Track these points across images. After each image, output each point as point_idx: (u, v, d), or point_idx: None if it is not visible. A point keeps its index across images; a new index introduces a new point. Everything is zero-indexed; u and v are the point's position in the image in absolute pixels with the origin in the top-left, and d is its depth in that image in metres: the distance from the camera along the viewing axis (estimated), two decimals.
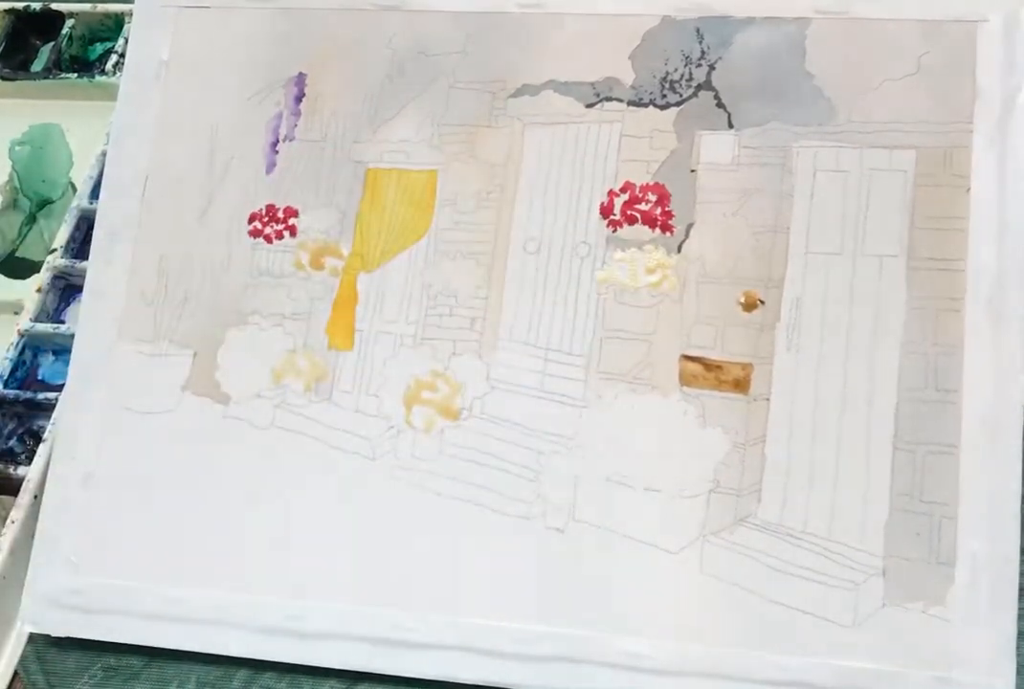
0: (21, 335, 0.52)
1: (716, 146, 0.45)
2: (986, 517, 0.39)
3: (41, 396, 0.50)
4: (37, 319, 0.53)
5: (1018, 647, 0.38)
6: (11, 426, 0.51)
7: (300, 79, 0.49)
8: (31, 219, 0.59)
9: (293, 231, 0.47)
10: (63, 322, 0.53)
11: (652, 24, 0.47)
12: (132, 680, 0.44)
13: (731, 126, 0.45)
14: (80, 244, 0.54)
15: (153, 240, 0.48)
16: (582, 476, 0.42)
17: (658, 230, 0.44)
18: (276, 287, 0.47)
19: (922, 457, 0.40)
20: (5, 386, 0.51)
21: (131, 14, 0.52)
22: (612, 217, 0.45)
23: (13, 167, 0.60)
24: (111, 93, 0.51)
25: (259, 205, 0.48)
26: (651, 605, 0.41)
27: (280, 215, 0.48)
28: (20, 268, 0.57)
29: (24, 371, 0.52)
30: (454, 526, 0.43)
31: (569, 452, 0.43)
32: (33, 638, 0.45)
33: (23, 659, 0.45)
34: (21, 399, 0.50)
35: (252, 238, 0.48)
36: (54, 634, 0.44)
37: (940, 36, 0.44)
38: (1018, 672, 0.38)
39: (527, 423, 0.43)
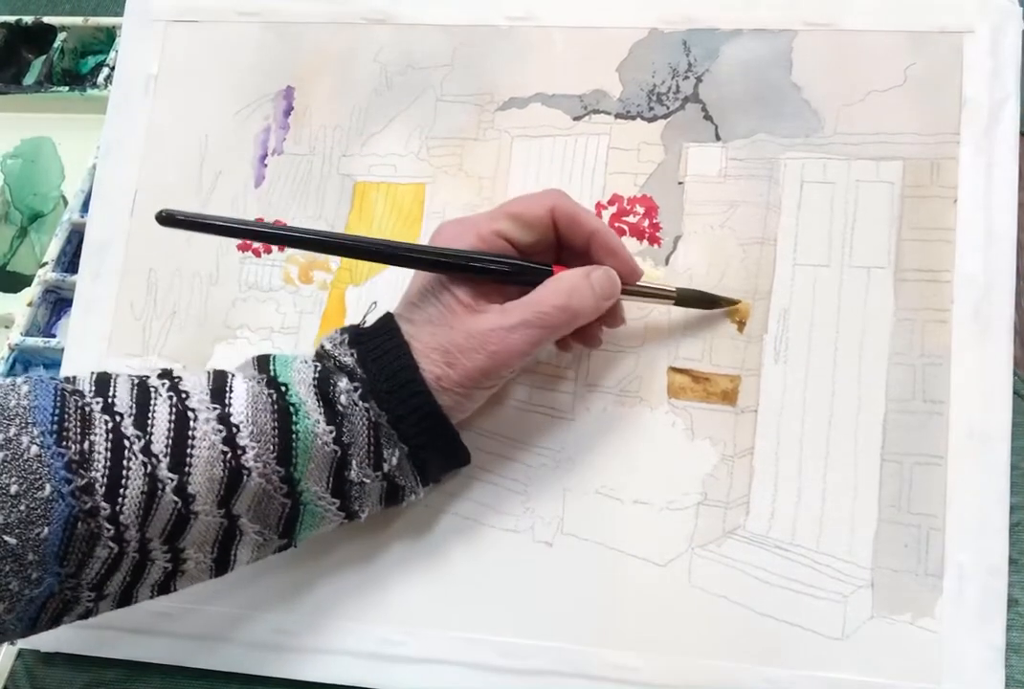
0: (12, 349, 0.52)
1: (703, 158, 0.45)
2: (974, 528, 0.39)
3: None
4: (28, 333, 0.53)
5: (1007, 659, 0.38)
6: None
7: (288, 92, 0.49)
8: (22, 233, 0.59)
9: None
10: (54, 336, 0.53)
11: (639, 36, 0.47)
12: None
13: (718, 138, 0.45)
14: (71, 258, 0.54)
15: (142, 254, 0.48)
16: (570, 489, 0.42)
17: (646, 242, 0.44)
18: (265, 301, 0.47)
19: (910, 468, 0.40)
20: None
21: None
22: None
23: (4, 180, 0.60)
24: (103, 106, 0.51)
25: (248, 219, 0.48)
26: (640, 618, 0.41)
27: None
28: (11, 282, 0.57)
29: None
30: (443, 539, 0.43)
31: (557, 465, 0.43)
32: (22, 654, 0.45)
33: (12, 675, 0.45)
34: None
35: (241, 252, 0.48)
36: (43, 649, 0.44)
37: (927, 47, 0.44)
38: (1007, 684, 0.38)
39: (515, 436, 0.43)
